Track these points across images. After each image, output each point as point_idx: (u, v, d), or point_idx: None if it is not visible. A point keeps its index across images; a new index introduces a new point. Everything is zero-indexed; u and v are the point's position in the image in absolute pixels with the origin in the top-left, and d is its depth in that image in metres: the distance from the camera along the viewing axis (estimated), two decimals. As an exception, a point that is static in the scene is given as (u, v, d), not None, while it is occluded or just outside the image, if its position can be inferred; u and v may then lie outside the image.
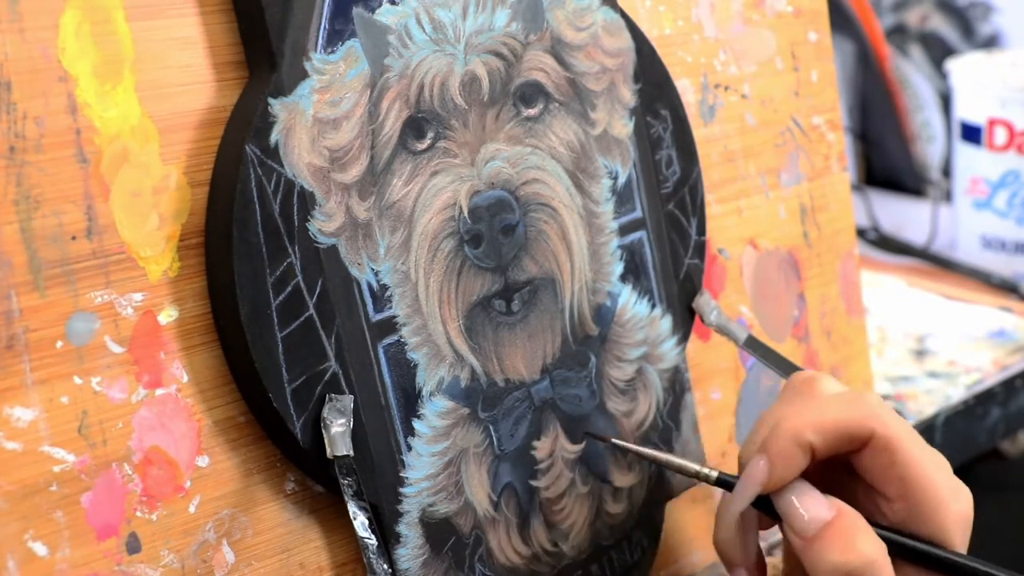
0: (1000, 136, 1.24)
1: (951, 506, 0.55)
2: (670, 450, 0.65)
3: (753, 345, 0.67)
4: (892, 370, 1.02)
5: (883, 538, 0.55)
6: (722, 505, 0.57)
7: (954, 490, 0.55)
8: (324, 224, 0.53)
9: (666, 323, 0.65)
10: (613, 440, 0.61)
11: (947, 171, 1.43)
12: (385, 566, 0.53)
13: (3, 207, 0.47)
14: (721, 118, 0.71)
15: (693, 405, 0.67)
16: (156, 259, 0.51)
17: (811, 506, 0.54)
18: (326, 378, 0.53)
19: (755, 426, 0.58)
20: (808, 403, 0.56)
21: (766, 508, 0.56)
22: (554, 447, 0.60)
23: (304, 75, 0.53)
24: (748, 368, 0.72)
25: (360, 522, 0.53)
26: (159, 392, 0.51)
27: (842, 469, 0.57)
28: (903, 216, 1.40)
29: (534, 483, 0.60)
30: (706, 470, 0.58)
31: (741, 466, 0.57)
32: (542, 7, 0.60)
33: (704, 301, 0.67)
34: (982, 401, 0.97)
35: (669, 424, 0.65)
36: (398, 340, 0.55)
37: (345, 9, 0.54)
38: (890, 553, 0.55)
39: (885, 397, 0.97)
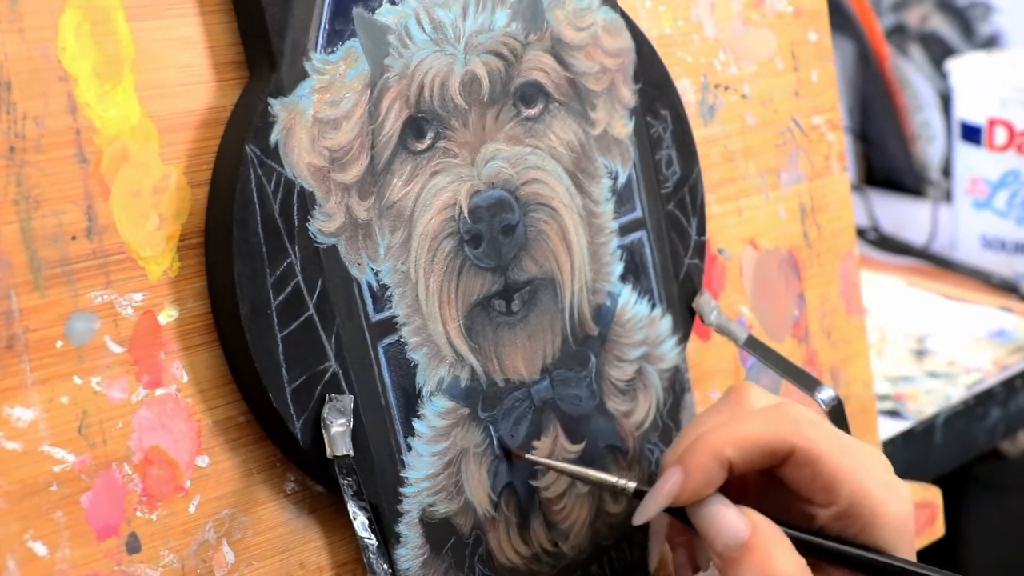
0: (1000, 136, 1.24)
1: (885, 508, 0.55)
2: (670, 450, 0.65)
3: (753, 345, 0.67)
4: (892, 370, 1.02)
5: (808, 544, 0.55)
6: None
7: (888, 491, 0.55)
8: (324, 224, 0.53)
9: (666, 323, 0.65)
10: (527, 456, 0.59)
11: (947, 171, 1.43)
12: (385, 566, 0.53)
13: (3, 207, 0.47)
14: (721, 118, 0.71)
15: (693, 405, 0.67)
16: (156, 259, 0.51)
17: (727, 524, 0.54)
18: (326, 378, 0.53)
19: (681, 433, 0.58)
20: (732, 417, 0.56)
21: (682, 519, 0.56)
22: (554, 447, 0.60)
23: (304, 75, 0.53)
24: (748, 368, 0.72)
25: (360, 522, 0.53)
26: (159, 392, 0.51)
27: (773, 477, 0.57)
28: (903, 216, 1.40)
29: (534, 483, 0.60)
30: (623, 482, 0.57)
31: (662, 472, 0.56)
32: (542, 7, 0.60)
33: (704, 301, 0.67)
34: (982, 401, 0.97)
35: (669, 424, 0.65)
36: (398, 340, 0.55)
37: (345, 9, 0.54)
38: (823, 558, 0.55)
39: (885, 397, 0.97)
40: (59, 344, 0.48)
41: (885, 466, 0.56)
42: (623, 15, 0.63)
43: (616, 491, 0.58)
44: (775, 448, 0.55)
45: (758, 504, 0.55)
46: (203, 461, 0.52)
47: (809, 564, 0.54)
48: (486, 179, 0.57)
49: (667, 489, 0.55)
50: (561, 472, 0.60)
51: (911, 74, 1.48)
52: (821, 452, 0.54)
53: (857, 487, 0.55)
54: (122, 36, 0.50)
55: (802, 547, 0.54)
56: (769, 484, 0.57)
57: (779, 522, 0.55)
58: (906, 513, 0.55)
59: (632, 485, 0.57)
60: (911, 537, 0.56)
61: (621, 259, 0.63)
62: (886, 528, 0.55)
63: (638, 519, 0.56)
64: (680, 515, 0.56)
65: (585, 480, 0.59)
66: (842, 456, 0.55)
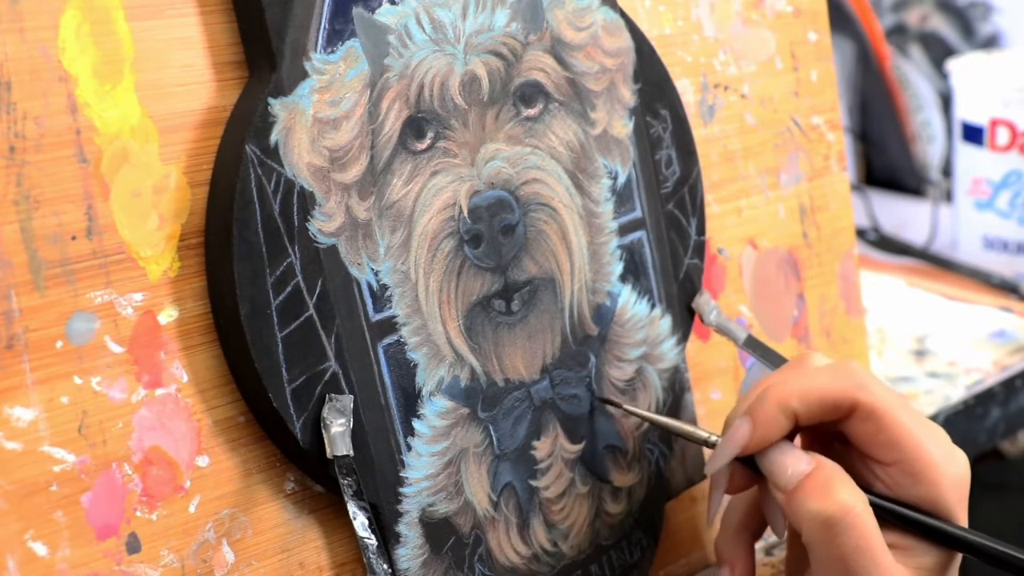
0: (1002, 136, 1.24)
1: (944, 470, 0.56)
2: (670, 451, 0.65)
3: (753, 345, 0.67)
4: (892, 370, 1.01)
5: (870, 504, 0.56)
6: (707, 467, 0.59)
7: (947, 455, 0.56)
8: (324, 224, 0.53)
9: (666, 323, 0.65)
10: (625, 407, 0.62)
11: (947, 171, 1.43)
12: (385, 566, 0.53)
13: (3, 207, 0.47)
14: (721, 118, 0.71)
15: (693, 405, 0.67)
16: (156, 259, 0.51)
17: (792, 462, 0.56)
18: (326, 378, 0.53)
19: (747, 393, 0.60)
20: (796, 373, 0.58)
21: (751, 467, 0.58)
22: (554, 447, 0.60)
23: (304, 75, 0.53)
24: (748, 368, 0.72)
25: (360, 522, 0.53)
26: (159, 392, 0.51)
27: (836, 438, 0.59)
28: (903, 216, 1.40)
29: (534, 483, 0.60)
30: (714, 437, 0.60)
31: (727, 428, 0.58)
32: (542, 7, 0.60)
33: (704, 301, 0.67)
34: (982, 401, 0.97)
35: (669, 424, 0.65)
36: (398, 340, 0.55)
37: (345, 9, 0.54)
38: (879, 520, 0.56)
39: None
40: (59, 344, 0.48)
41: (943, 432, 0.58)
42: (623, 15, 0.63)
43: (708, 445, 0.60)
44: (838, 401, 0.56)
45: None
46: (203, 461, 0.52)
47: None
48: (486, 179, 0.57)
49: (737, 438, 0.57)
50: (651, 422, 0.62)
51: (911, 74, 1.48)
52: (885, 408, 0.56)
53: (917, 446, 0.56)
54: (122, 36, 0.50)
55: None
56: (832, 447, 0.59)
57: None
58: (963, 479, 0.57)
59: (715, 438, 0.59)
60: (966, 503, 0.57)
61: (621, 259, 0.63)
62: (945, 489, 0.56)
63: (711, 468, 0.58)
64: (748, 463, 0.58)
65: (676, 433, 0.62)
66: (904, 414, 0.56)
